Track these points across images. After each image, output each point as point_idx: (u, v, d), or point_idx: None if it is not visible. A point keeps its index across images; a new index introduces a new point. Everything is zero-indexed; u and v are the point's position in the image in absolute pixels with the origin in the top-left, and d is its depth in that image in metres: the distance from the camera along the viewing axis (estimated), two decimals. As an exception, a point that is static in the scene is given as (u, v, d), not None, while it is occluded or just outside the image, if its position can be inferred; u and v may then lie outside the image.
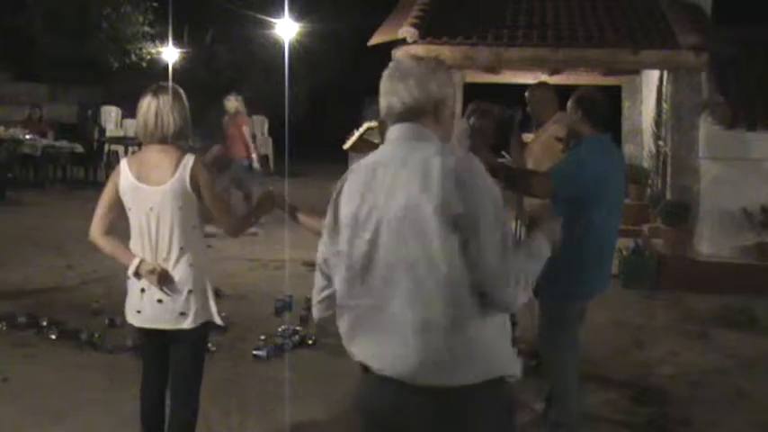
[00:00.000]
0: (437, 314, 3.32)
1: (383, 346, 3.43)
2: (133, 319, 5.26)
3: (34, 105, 22.35)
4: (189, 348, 5.26)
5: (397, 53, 12.98)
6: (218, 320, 5.32)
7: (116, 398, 7.15)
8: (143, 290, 5.14)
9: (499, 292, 3.33)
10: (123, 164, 5.23)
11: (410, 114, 3.49)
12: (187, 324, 5.13)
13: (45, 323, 9.03)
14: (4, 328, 8.97)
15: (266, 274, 11.97)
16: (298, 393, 7.10)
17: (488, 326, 3.40)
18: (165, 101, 5.16)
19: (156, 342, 5.27)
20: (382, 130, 5.05)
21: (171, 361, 5.30)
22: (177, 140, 5.19)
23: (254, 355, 8.25)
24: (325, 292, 3.69)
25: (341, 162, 19.15)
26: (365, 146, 15.91)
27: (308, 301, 9.81)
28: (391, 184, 3.37)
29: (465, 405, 3.40)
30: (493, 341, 3.43)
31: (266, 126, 27.78)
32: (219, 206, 5.23)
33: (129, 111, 25.25)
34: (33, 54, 25.78)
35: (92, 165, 21.97)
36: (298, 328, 9.09)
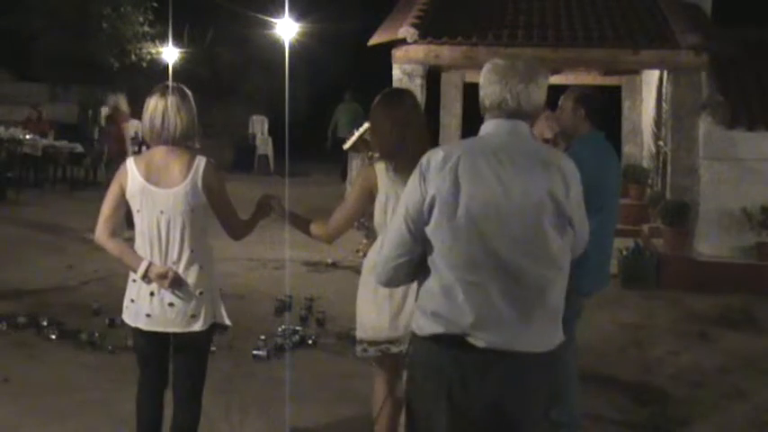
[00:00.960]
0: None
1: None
2: (140, 322, 5.16)
3: (34, 105, 22.34)
4: (196, 351, 5.25)
5: (397, 53, 12.99)
6: (227, 321, 5.30)
7: (116, 398, 7.14)
8: (152, 293, 5.07)
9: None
10: (130, 164, 5.12)
11: (524, 114, 3.78)
12: (198, 326, 5.10)
13: (45, 323, 9.01)
14: (5, 328, 8.96)
15: (266, 274, 11.97)
16: (297, 393, 7.09)
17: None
18: (172, 101, 5.11)
19: (158, 345, 5.22)
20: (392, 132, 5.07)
21: (175, 364, 5.27)
22: (184, 141, 5.14)
23: (254, 355, 8.25)
24: (405, 257, 3.79)
25: (340, 162, 19.24)
26: (365, 146, 15.94)
27: (308, 300, 9.87)
28: (519, 175, 3.63)
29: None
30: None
31: (266, 126, 27.78)
32: (228, 210, 5.22)
33: (129, 111, 25.30)
34: (33, 54, 25.79)
35: (92, 165, 21.94)
36: (298, 328, 9.10)
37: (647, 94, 16.44)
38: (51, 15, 25.02)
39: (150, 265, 5.03)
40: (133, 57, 25.99)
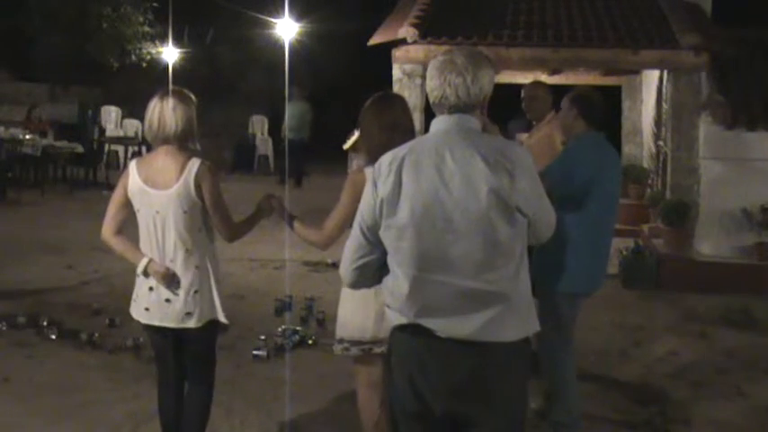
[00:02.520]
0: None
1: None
2: (140, 316, 5.36)
3: (34, 105, 22.34)
4: (198, 346, 5.42)
5: (397, 53, 12.99)
6: (222, 319, 5.39)
7: (116, 398, 7.16)
8: (151, 288, 5.26)
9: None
10: (132, 166, 5.31)
11: (466, 107, 3.80)
12: (192, 323, 5.26)
13: (45, 323, 9.03)
14: (5, 327, 8.97)
15: (266, 274, 11.97)
16: (298, 393, 7.10)
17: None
18: (169, 103, 5.23)
19: (165, 339, 5.39)
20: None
21: (184, 355, 5.44)
22: (180, 142, 5.25)
23: (255, 355, 8.25)
24: (364, 260, 3.92)
25: (341, 162, 19.22)
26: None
27: (308, 300, 9.87)
28: (460, 168, 3.65)
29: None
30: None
31: (266, 126, 27.78)
32: (220, 213, 5.28)
33: (129, 111, 25.32)
34: (33, 54, 25.76)
35: (92, 165, 21.95)
36: (298, 328, 9.10)
37: (647, 94, 16.45)
38: (51, 15, 24.99)
39: (150, 261, 5.23)
40: (133, 57, 25.97)
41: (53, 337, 8.75)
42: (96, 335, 8.66)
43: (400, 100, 5.44)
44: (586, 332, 6.92)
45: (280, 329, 8.92)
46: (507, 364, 3.72)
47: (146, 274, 5.25)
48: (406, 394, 3.80)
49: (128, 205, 5.29)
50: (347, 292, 5.24)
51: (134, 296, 5.41)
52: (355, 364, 5.44)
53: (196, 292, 5.24)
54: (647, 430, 6.91)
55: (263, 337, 8.60)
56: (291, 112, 22.06)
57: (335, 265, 11.94)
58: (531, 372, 3.98)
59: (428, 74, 3.87)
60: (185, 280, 5.22)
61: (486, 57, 3.91)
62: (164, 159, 5.22)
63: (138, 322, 5.42)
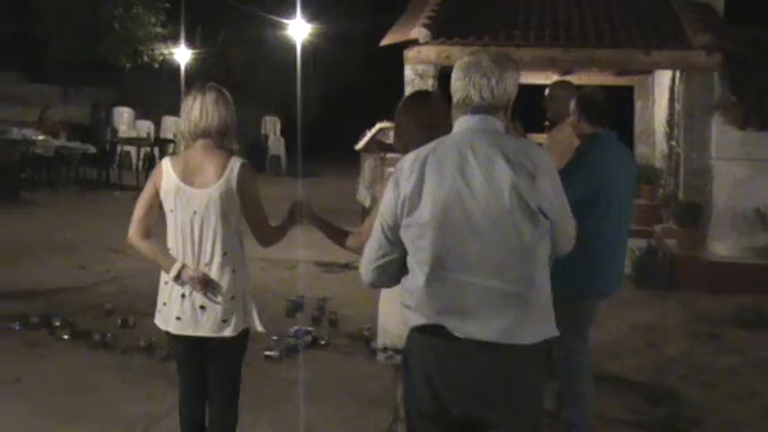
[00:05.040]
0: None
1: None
2: (170, 325, 5.10)
3: (47, 107, 22.40)
4: (228, 356, 5.21)
5: (409, 53, 12.99)
6: (259, 328, 5.28)
7: (128, 398, 7.17)
8: (183, 295, 5.01)
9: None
10: (166, 164, 5.09)
11: (489, 107, 3.81)
12: (228, 332, 5.05)
13: (58, 323, 9.04)
14: (17, 327, 8.99)
15: (278, 274, 11.97)
16: (310, 394, 7.09)
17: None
18: (210, 97, 5.06)
19: (194, 349, 5.16)
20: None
21: (210, 369, 5.21)
22: (220, 138, 5.07)
23: (267, 356, 8.25)
24: (385, 259, 3.91)
25: (353, 162, 19.23)
26: (377, 146, 15.93)
27: (321, 301, 9.87)
28: (482, 168, 3.66)
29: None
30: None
31: (278, 127, 27.82)
32: (259, 215, 5.14)
33: (142, 112, 25.37)
34: (45, 55, 25.82)
35: (104, 166, 22.01)
36: (310, 328, 9.10)
37: (660, 94, 16.41)
38: (63, 17, 25.05)
39: (183, 266, 4.98)
40: (145, 58, 26.02)
41: (66, 337, 8.77)
42: (109, 335, 8.68)
43: (436, 97, 5.35)
44: (599, 332, 6.92)
45: (292, 330, 8.92)
46: (526, 366, 3.72)
47: (178, 280, 4.99)
48: (423, 395, 3.79)
49: (158, 206, 5.06)
50: (386, 299, 5.13)
51: (159, 304, 5.15)
52: (396, 373, 5.36)
53: (233, 297, 5.03)
54: (660, 430, 6.91)
55: (275, 338, 8.59)
56: None
57: (348, 266, 12.03)
58: (548, 373, 3.98)
59: (453, 74, 3.88)
60: (223, 285, 5.00)
61: (512, 60, 3.92)
62: (202, 156, 5.02)
63: (158, 329, 5.22)
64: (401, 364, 5.16)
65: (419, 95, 5.37)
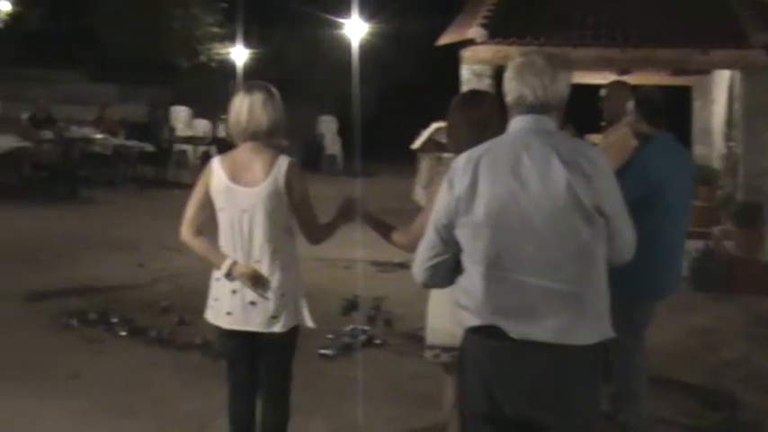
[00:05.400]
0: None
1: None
2: (221, 320, 5.18)
3: (106, 105, 22.61)
4: (279, 352, 5.26)
5: (466, 53, 12.97)
6: (309, 323, 5.31)
7: (184, 395, 7.22)
8: (234, 291, 5.09)
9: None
10: (215, 163, 5.16)
11: (543, 107, 3.81)
12: (278, 328, 5.10)
13: (115, 320, 9.13)
14: (76, 324, 9.09)
15: (334, 273, 11.98)
16: (364, 392, 7.08)
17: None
18: (258, 97, 5.11)
19: (244, 345, 5.22)
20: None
21: (261, 365, 5.27)
22: (270, 138, 5.13)
23: (321, 354, 8.28)
24: (438, 259, 3.91)
25: (410, 162, 19.23)
26: (434, 146, 15.93)
27: (376, 300, 9.88)
28: (537, 167, 3.66)
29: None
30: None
31: (335, 126, 27.87)
32: (307, 213, 5.19)
33: (199, 110, 25.54)
34: (104, 55, 26.09)
35: (161, 164, 22.18)
36: (365, 327, 9.12)
37: (718, 94, 16.25)
38: (122, 16, 25.31)
39: (234, 263, 5.05)
40: (203, 57, 26.21)
41: (123, 333, 8.85)
42: (166, 332, 8.76)
43: (488, 96, 5.37)
44: (655, 335, 6.84)
45: (347, 329, 8.94)
46: (582, 367, 3.71)
47: (229, 276, 5.08)
48: (478, 396, 3.79)
49: (209, 205, 5.14)
50: (435, 298, 5.15)
51: (210, 300, 5.24)
52: (445, 371, 5.35)
53: (283, 294, 5.09)
54: (717, 435, 6.85)
55: (330, 337, 8.61)
56: None
57: (404, 265, 12.01)
58: (603, 375, 3.96)
59: (506, 75, 3.88)
60: (272, 282, 5.06)
61: (564, 60, 3.94)
62: (250, 156, 5.08)
63: (214, 326, 5.30)
64: (450, 363, 5.19)
65: (470, 95, 5.38)
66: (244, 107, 5.10)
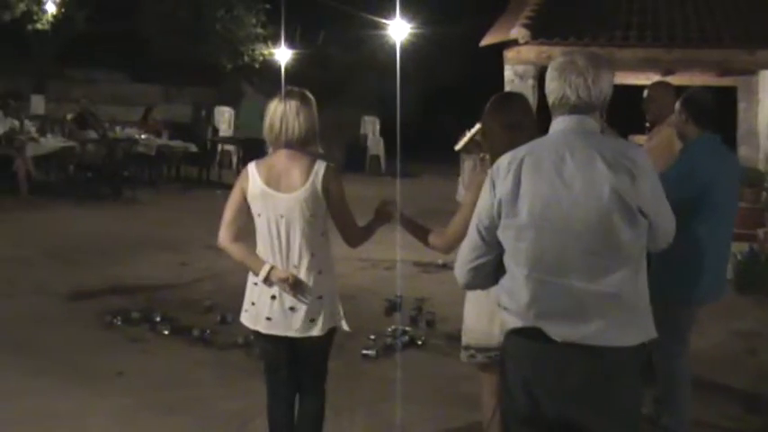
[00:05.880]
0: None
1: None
2: (260, 326, 5.17)
3: (151, 107, 22.77)
4: (316, 355, 5.29)
5: (509, 54, 12.95)
6: (345, 327, 5.32)
7: (226, 394, 7.25)
8: (274, 297, 5.09)
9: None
10: (252, 169, 5.15)
11: (586, 107, 3.78)
12: (316, 331, 5.11)
13: (158, 319, 9.19)
14: (119, 322, 9.16)
15: (377, 274, 12.00)
16: (406, 393, 7.08)
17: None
18: (292, 105, 5.10)
19: (283, 349, 5.22)
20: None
21: (298, 367, 5.29)
22: (303, 145, 5.12)
23: (363, 354, 8.28)
24: (480, 260, 3.91)
25: (452, 162, 19.21)
26: (476, 147, 15.91)
27: (418, 301, 9.87)
28: (580, 169, 3.65)
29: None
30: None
31: (377, 126, 27.90)
32: (345, 216, 5.19)
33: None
34: (148, 56, 26.26)
35: (205, 164, 22.29)
36: (407, 328, 9.12)
37: (764, 94, 16.11)
38: (166, 18, 25.46)
39: (272, 268, 5.05)
40: (246, 58, 26.31)
41: (166, 332, 8.91)
42: (208, 331, 8.80)
43: (521, 99, 5.39)
44: (698, 338, 6.80)
45: (389, 329, 8.94)
46: (623, 369, 3.69)
47: (267, 281, 5.07)
48: (520, 399, 3.78)
49: (246, 210, 5.15)
50: (472, 298, 5.17)
51: (247, 303, 5.25)
52: (481, 372, 5.35)
53: (320, 297, 5.09)
54: (760, 439, 6.79)
55: (372, 337, 8.63)
56: (244, 107, 20.76)
57: (446, 266, 12.02)
58: (646, 378, 3.93)
59: (548, 75, 3.86)
60: (310, 285, 5.06)
61: (606, 59, 3.89)
62: (286, 162, 5.08)
63: (252, 330, 5.31)
64: (485, 364, 5.20)
65: (502, 98, 5.39)
66: (277, 115, 5.12)
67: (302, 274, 5.06)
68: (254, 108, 20.36)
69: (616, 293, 3.62)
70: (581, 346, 3.63)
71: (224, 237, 5.16)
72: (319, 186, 5.03)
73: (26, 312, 9.52)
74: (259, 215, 5.11)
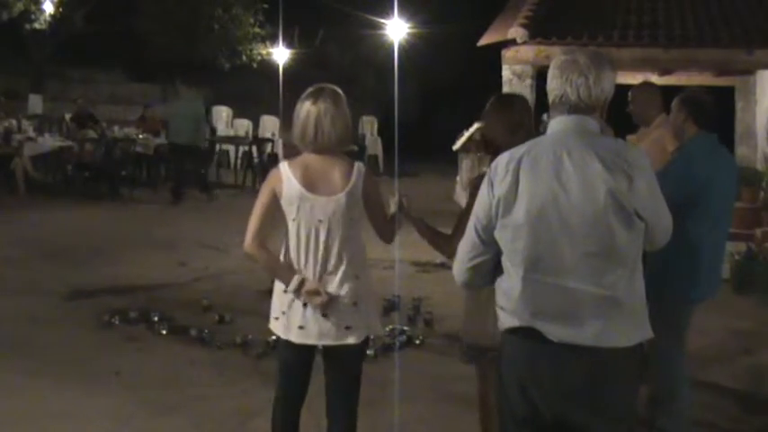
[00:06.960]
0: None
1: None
2: (292, 335, 4.93)
3: (148, 105, 22.74)
4: (350, 364, 5.11)
5: (507, 54, 12.95)
6: (380, 332, 5.30)
7: (224, 393, 7.25)
8: (306, 305, 4.86)
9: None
10: (285, 170, 4.89)
11: (586, 107, 3.77)
12: (352, 339, 4.94)
13: (156, 318, 9.17)
14: (117, 322, 9.15)
15: (375, 274, 11.87)
16: (405, 393, 7.08)
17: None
18: (325, 108, 4.89)
19: (307, 357, 5.06)
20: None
21: (329, 377, 5.10)
22: (339, 147, 4.97)
23: (362, 354, 8.27)
24: (478, 259, 3.90)
25: (450, 162, 19.20)
26: (474, 146, 15.91)
27: (416, 300, 9.87)
28: (577, 170, 3.64)
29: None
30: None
31: (375, 126, 27.89)
32: (383, 216, 5.11)
33: (240, 111, 25.63)
34: (146, 55, 26.25)
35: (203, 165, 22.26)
36: (405, 328, 9.12)
37: (762, 94, 16.13)
38: (164, 17, 25.45)
39: (303, 280, 4.84)
40: (244, 58, 26.30)
41: (164, 332, 8.89)
42: (206, 331, 8.78)
43: (522, 100, 5.43)
44: (696, 337, 6.80)
45: (387, 329, 8.93)
46: (620, 370, 3.69)
47: (296, 293, 4.84)
48: (516, 399, 3.79)
49: (276, 213, 4.91)
50: (470, 298, 5.18)
51: (276, 311, 5.00)
52: (479, 371, 5.37)
53: (355, 304, 4.90)
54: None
55: (371, 337, 8.61)
56: (178, 111, 18.99)
57: (444, 266, 12.01)
58: (640, 378, 3.94)
59: (549, 73, 3.85)
60: (346, 292, 4.87)
61: (608, 59, 3.88)
62: (323, 164, 4.88)
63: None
64: (482, 363, 5.21)
65: (503, 98, 5.43)
66: (310, 120, 4.90)
67: (337, 280, 4.88)
68: (189, 111, 18.81)
69: (612, 294, 3.62)
70: (577, 346, 3.63)
71: (251, 243, 4.87)
72: (360, 188, 4.89)
73: (23, 311, 9.51)
74: (294, 220, 4.88)
